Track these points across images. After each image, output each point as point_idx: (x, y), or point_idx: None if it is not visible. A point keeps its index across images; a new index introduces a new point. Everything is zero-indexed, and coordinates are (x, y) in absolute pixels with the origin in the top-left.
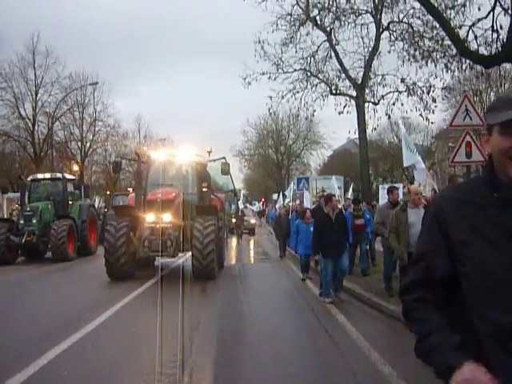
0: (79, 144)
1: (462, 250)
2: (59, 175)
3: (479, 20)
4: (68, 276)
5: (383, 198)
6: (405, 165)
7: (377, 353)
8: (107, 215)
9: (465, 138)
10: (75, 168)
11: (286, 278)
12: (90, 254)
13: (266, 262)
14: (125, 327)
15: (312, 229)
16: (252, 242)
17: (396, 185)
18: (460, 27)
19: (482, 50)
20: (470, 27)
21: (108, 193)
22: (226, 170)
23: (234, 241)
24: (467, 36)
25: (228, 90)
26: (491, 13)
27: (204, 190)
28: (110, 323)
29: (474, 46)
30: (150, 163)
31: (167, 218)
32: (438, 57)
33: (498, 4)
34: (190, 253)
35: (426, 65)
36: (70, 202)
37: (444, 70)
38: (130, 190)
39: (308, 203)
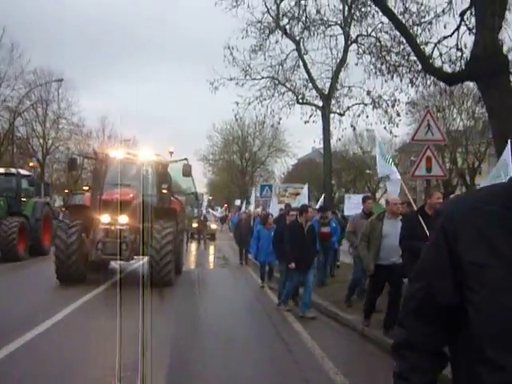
0: (41, 141)
1: (474, 273)
2: (13, 170)
3: (444, 38)
4: (17, 276)
5: (349, 208)
6: (379, 175)
7: (331, 362)
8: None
9: (425, 152)
10: (32, 163)
11: (245, 284)
12: (43, 254)
13: (225, 268)
14: (75, 331)
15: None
16: (212, 248)
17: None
18: (426, 44)
19: (447, 68)
20: (436, 44)
21: (67, 191)
22: (187, 172)
23: (194, 246)
24: (432, 53)
25: (195, 94)
26: (456, 31)
27: (164, 191)
28: (59, 327)
29: (438, 63)
30: (108, 162)
31: (123, 219)
32: (403, 72)
33: (462, 23)
34: (146, 257)
35: (392, 79)
36: (24, 199)
37: (409, 85)
38: (86, 188)
39: (274, 210)
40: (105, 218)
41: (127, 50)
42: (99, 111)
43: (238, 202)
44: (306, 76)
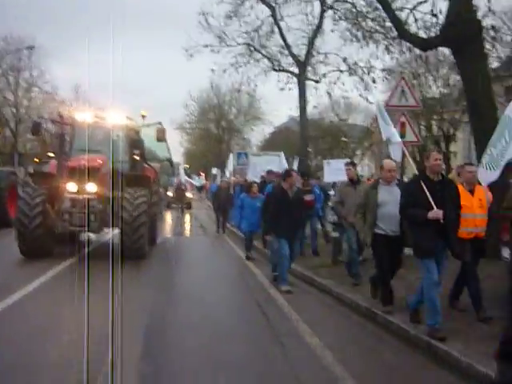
0: (13, 110)
1: None
2: None
3: (419, 3)
4: None
5: (329, 174)
6: (383, 138)
7: (306, 325)
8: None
9: (400, 118)
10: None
11: (225, 254)
12: (9, 226)
13: (202, 237)
14: (38, 310)
15: (259, 204)
16: (189, 217)
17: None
18: (401, 10)
19: (422, 34)
20: (411, 10)
21: (37, 160)
22: (161, 137)
23: (169, 215)
24: (407, 19)
25: (171, 62)
26: None
27: (136, 158)
28: (23, 303)
29: (414, 29)
30: (75, 126)
31: (91, 188)
32: (379, 38)
33: None
34: (117, 229)
35: (368, 45)
36: None
37: (385, 52)
38: (52, 155)
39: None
40: (71, 187)
41: (100, 17)
42: (72, 80)
43: (214, 171)
44: (281, 43)
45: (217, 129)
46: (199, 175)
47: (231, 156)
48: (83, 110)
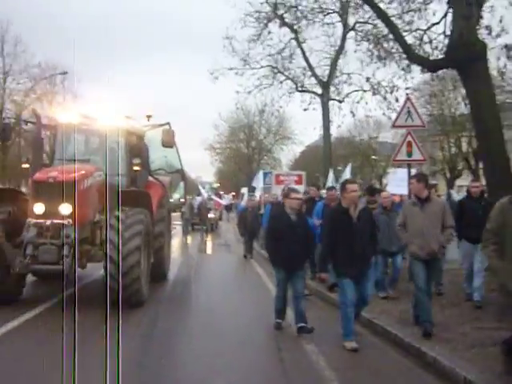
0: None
1: None
2: None
3: (433, 25)
4: None
5: (393, 186)
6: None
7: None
8: None
9: (406, 137)
10: None
11: (250, 289)
12: None
13: (225, 266)
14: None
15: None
16: (210, 241)
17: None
18: (415, 31)
19: (438, 55)
20: (425, 31)
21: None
22: (169, 141)
23: (191, 239)
24: (422, 40)
25: (200, 83)
26: (444, 18)
27: (136, 169)
28: None
29: (428, 49)
30: (57, 129)
31: (65, 209)
32: (399, 58)
33: (450, 10)
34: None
35: (384, 66)
36: None
37: (405, 71)
38: (26, 166)
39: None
40: (38, 208)
41: (129, 42)
42: (103, 102)
43: (243, 190)
44: (304, 64)
45: (247, 148)
46: (230, 194)
47: (260, 175)
48: (68, 108)
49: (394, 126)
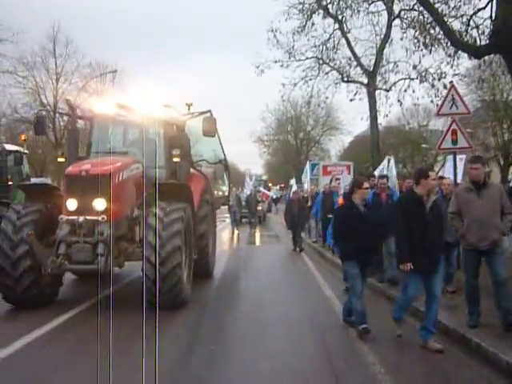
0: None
1: None
2: None
3: (479, 10)
4: None
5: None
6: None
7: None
8: None
9: (451, 125)
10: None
11: (302, 286)
12: None
13: (271, 258)
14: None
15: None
16: (258, 233)
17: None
18: (462, 16)
19: (487, 40)
20: (471, 16)
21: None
22: (210, 130)
23: (239, 232)
24: (468, 25)
25: (246, 77)
26: (490, 3)
27: (175, 160)
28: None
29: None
30: (94, 120)
31: (99, 205)
32: (447, 44)
33: None
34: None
35: (430, 53)
36: (11, 183)
37: (452, 57)
38: (62, 160)
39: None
40: (70, 204)
41: (175, 37)
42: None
43: (292, 182)
44: (349, 54)
45: (295, 140)
46: (279, 186)
47: (307, 166)
48: (103, 98)
49: (438, 114)
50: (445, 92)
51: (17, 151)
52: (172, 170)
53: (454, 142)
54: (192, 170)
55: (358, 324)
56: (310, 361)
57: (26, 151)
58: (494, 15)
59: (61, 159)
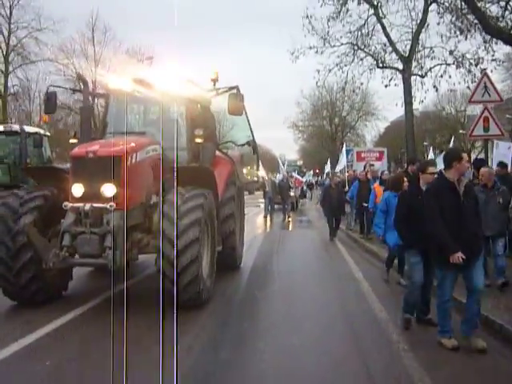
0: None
1: None
2: (15, 127)
3: None
4: None
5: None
6: None
7: None
8: None
9: (483, 112)
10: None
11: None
12: None
13: (305, 254)
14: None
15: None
16: (291, 221)
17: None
18: (498, 2)
19: None
20: (508, 2)
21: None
22: (237, 108)
23: (273, 219)
24: (505, 10)
25: (281, 62)
26: None
27: (198, 141)
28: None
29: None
30: (109, 97)
31: (108, 190)
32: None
33: None
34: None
35: (466, 38)
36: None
37: (489, 43)
38: (74, 141)
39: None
40: (76, 190)
41: (209, 20)
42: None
43: (327, 168)
44: (385, 40)
45: (330, 126)
46: (314, 171)
47: (343, 151)
48: (119, 73)
49: (470, 101)
50: None
51: (36, 133)
52: (194, 152)
53: (486, 129)
54: (218, 152)
55: (403, 311)
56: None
57: (48, 133)
58: None
59: (73, 140)
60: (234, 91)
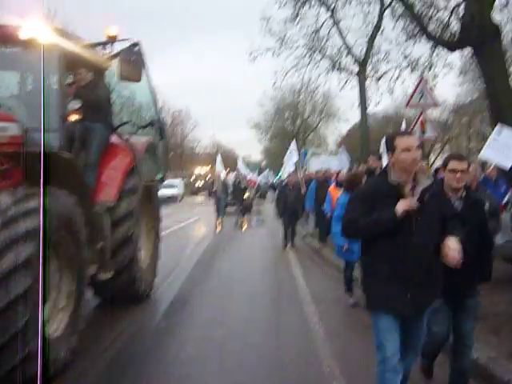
0: None
1: None
2: None
3: (463, 1)
4: None
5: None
6: None
7: None
8: None
9: (420, 117)
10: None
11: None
12: None
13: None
14: None
15: None
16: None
17: None
18: (445, 8)
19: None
20: (454, 9)
21: None
22: (132, 71)
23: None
24: (450, 18)
25: (242, 64)
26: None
27: (73, 118)
28: None
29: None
30: None
31: None
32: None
33: None
34: None
35: (414, 44)
36: None
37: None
38: None
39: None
40: None
41: (172, 24)
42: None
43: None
44: (341, 43)
45: (293, 126)
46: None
47: (292, 149)
48: None
49: (407, 105)
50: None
51: None
52: (70, 134)
53: (423, 132)
54: (115, 138)
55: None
56: None
57: None
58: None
59: None
60: (136, 48)
